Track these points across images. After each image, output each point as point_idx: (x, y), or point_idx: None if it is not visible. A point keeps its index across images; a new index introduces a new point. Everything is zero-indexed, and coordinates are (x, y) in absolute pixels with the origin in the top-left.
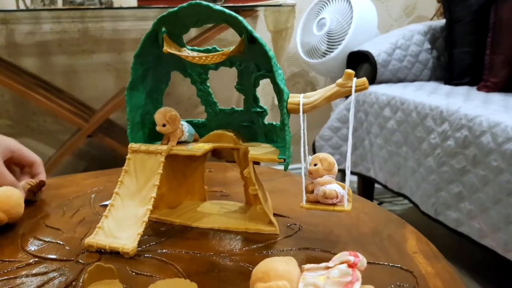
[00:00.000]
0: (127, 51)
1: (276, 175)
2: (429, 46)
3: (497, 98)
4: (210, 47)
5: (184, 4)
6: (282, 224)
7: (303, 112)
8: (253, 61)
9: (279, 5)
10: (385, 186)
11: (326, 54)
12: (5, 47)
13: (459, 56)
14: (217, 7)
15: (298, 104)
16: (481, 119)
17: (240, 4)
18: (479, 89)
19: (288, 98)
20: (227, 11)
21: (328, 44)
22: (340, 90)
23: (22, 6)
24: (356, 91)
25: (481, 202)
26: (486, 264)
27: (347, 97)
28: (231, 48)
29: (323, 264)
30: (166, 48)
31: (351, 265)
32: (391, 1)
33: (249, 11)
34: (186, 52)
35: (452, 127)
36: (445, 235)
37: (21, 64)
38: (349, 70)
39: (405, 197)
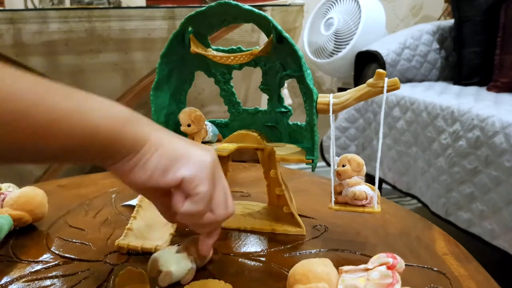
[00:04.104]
0: (134, 51)
1: (294, 175)
2: (437, 46)
3: (508, 98)
4: (234, 47)
5: (213, 4)
6: (307, 225)
7: (333, 113)
8: (278, 61)
9: (288, 5)
10: (393, 187)
11: (333, 54)
12: (12, 47)
13: (468, 56)
14: (247, 6)
15: (328, 104)
16: (494, 120)
17: (248, 4)
18: (489, 89)
19: (317, 98)
20: (256, 10)
21: (335, 44)
22: (371, 90)
23: (30, 6)
24: (388, 91)
25: (493, 203)
26: (496, 265)
27: None
28: (259, 47)
29: (362, 266)
30: (194, 48)
31: (390, 267)
32: (398, 1)
33: None
34: (212, 53)
35: (464, 127)
36: (452, 235)
37: (28, 64)
38: (381, 70)
39: (414, 197)
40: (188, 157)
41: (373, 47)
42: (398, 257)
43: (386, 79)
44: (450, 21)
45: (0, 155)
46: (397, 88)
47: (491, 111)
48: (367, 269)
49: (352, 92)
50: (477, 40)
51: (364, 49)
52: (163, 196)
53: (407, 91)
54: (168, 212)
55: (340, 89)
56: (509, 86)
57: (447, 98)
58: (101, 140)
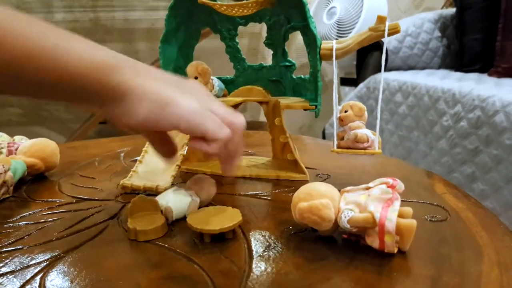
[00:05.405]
0: (137, 41)
1: (298, 141)
2: (439, 34)
3: (509, 82)
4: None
5: None
6: (310, 174)
7: (336, 58)
8: (283, 14)
9: None
10: None
11: None
12: None
13: (470, 43)
14: None
15: (331, 50)
16: (494, 99)
17: None
18: (490, 74)
19: (320, 44)
20: None
21: (338, 33)
22: (372, 34)
23: None
24: (388, 34)
25: (493, 182)
26: None
27: (357, 84)
28: None
29: (363, 185)
30: None
31: (390, 187)
32: None
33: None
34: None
35: (465, 108)
36: None
37: None
38: (382, 14)
39: None
40: (176, 104)
41: None
42: (398, 180)
43: (387, 22)
44: (452, 10)
45: None
46: (398, 31)
47: (492, 92)
48: (368, 188)
49: (354, 37)
50: (479, 27)
51: None
52: (159, 134)
53: (409, 76)
54: (164, 148)
55: (343, 79)
56: (510, 71)
57: (449, 82)
58: (78, 84)
